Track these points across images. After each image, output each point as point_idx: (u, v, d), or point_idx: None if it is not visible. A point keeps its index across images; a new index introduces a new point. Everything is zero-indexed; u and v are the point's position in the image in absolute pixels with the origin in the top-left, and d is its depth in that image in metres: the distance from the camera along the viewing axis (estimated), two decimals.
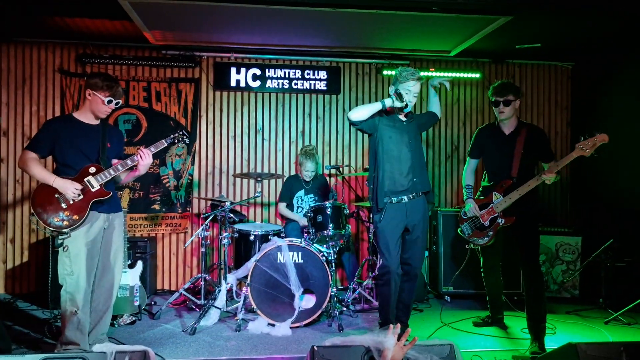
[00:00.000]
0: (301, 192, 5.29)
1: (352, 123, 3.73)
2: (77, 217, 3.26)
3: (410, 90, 3.72)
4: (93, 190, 3.33)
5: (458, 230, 4.26)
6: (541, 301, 3.71)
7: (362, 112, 3.69)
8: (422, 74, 3.80)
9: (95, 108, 3.41)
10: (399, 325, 2.32)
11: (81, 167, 3.33)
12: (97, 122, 3.49)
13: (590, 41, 5.38)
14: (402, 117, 3.84)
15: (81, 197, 3.29)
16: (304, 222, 4.98)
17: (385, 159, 3.74)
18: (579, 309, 4.90)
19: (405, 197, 3.75)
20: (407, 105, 3.72)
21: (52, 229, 3.22)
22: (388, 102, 3.74)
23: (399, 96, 3.67)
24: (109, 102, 3.40)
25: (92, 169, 3.35)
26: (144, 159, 3.46)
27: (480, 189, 4.14)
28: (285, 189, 5.36)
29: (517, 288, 5.16)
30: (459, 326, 4.38)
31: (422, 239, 3.86)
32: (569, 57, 6.11)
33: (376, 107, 3.73)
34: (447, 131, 6.13)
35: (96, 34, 5.24)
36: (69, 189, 3.25)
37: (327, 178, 5.66)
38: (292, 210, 5.29)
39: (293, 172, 5.77)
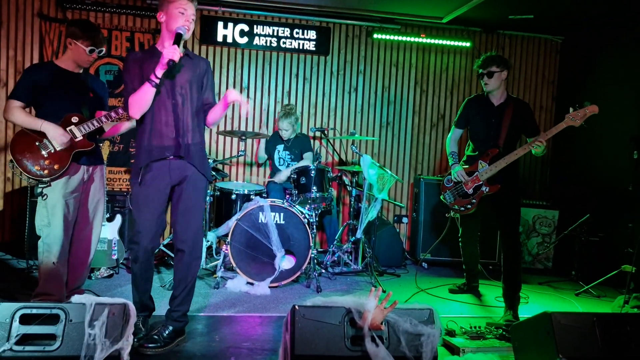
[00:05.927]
0: (280, 146, 5.29)
1: None
2: (58, 167, 3.17)
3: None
4: (76, 140, 3.23)
5: (440, 197, 4.28)
6: (518, 271, 3.77)
7: None
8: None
9: (78, 58, 3.30)
10: (380, 288, 2.35)
11: (62, 115, 3.22)
12: (79, 70, 3.38)
13: (582, 16, 5.35)
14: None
15: (63, 146, 3.20)
16: (280, 177, 5.07)
17: None
18: (551, 280, 5.02)
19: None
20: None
21: (32, 177, 3.13)
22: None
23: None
24: (91, 51, 3.28)
25: (75, 119, 3.24)
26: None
27: (465, 158, 4.14)
28: (267, 143, 5.41)
29: (492, 258, 5.30)
30: (435, 292, 4.46)
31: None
32: (559, 31, 6.08)
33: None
34: (433, 99, 6.09)
35: None
36: (58, 135, 3.16)
37: (312, 141, 5.60)
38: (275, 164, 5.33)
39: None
